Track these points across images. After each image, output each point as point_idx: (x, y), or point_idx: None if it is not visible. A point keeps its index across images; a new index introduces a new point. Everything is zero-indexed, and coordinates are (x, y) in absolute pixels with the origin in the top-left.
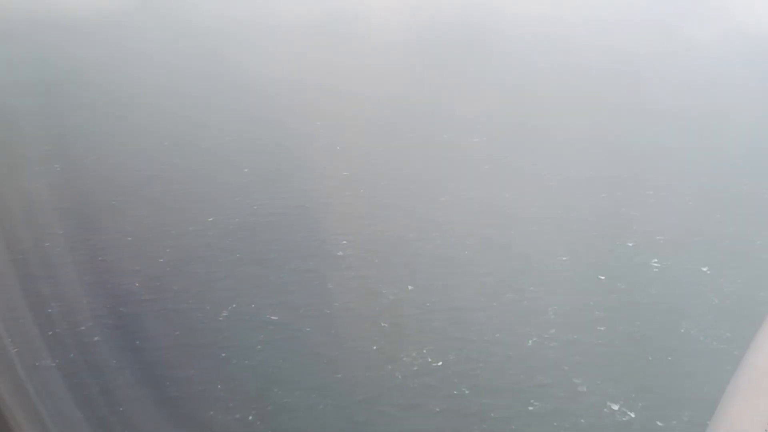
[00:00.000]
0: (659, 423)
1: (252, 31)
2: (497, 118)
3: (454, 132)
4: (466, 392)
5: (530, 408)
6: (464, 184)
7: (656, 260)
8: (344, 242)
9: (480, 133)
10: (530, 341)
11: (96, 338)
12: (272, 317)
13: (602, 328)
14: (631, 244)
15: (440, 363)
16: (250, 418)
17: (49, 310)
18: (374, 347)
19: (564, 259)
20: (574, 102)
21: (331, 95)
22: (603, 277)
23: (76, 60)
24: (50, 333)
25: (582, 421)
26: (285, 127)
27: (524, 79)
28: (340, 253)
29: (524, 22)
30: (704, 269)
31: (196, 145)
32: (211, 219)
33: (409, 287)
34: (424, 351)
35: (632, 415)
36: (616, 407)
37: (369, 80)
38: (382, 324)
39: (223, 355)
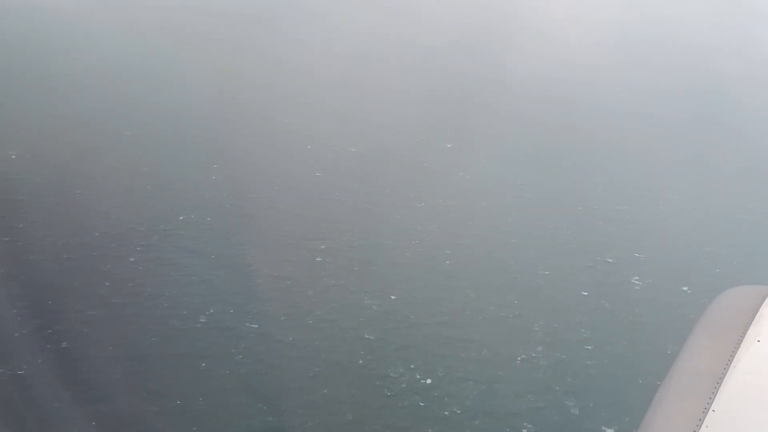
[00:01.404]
0: None
1: None
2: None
3: (426, 136)
4: (458, 413)
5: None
6: (441, 190)
7: (637, 278)
8: (322, 247)
9: (454, 138)
10: (519, 359)
11: (64, 344)
12: (252, 325)
13: (590, 348)
14: (611, 260)
15: (429, 381)
16: None
17: (14, 310)
18: (360, 361)
19: (546, 273)
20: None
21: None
22: (586, 294)
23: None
24: (16, 335)
25: None
26: (256, 121)
27: None
28: (319, 259)
29: None
30: (684, 288)
31: (162, 138)
32: (181, 217)
33: (392, 297)
34: (412, 367)
35: None
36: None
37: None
38: (367, 336)
39: (203, 365)
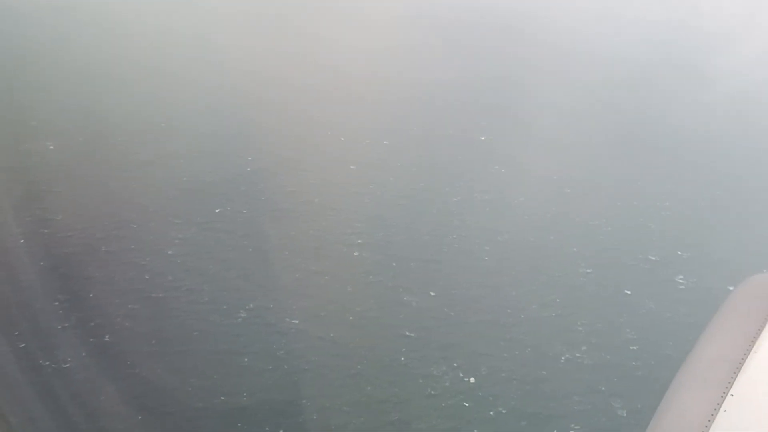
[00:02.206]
0: None
1: None
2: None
3: (461, 127)
4: (504, 413)
5: None
6: (477, 184)
7: (681, 276)
8: (359, 242)
9: (488, 130)
10: (563, 359)
11: (107, 337)
12: (293, 321)
13: (635, 348)
14: (653, 258)
15: (472, 380)
16: None
17: (56, 303)
18: (402, 359)
19: (588, 271)
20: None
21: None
22: (629, 292)
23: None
24: (59, 328)
25: None
26: (287, 115)
27: None
28: (356, 254)
29: None
30: (731, 288)
31: (195, 131)
32: (218, 210)
33: (431, 294)
34: (455, 365)
35: None
36: None
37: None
38: (408, 334)
39: (246, 361)
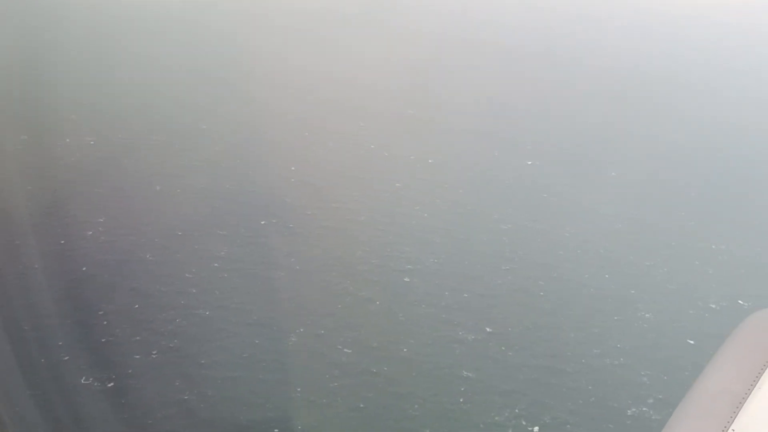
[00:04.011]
0: None
1: None
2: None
3: (503, 150)
4: None
5: None
6: (525, 213)
7: None
8: (408, 267)
9: (534, 156)
10: (629, 412)
11: (154, 354)
12: (345, 350)
13: None
14: (714, 306)
15: (536, 429)
16: None
17: (100, 312)
18: (461, 400)
19: (647, 315)
20: None
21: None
22: (692, 342)
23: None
24: (103, 341)
25: None
26: (330, 127)
27: None
28: (406, 279)
29: None
30: None
31: (237, 136)
32: (263, 222)
33: (487, 329)
34: (516, 411)
35: None
36: None
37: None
38: (465, 374)
39: (299, 391)
